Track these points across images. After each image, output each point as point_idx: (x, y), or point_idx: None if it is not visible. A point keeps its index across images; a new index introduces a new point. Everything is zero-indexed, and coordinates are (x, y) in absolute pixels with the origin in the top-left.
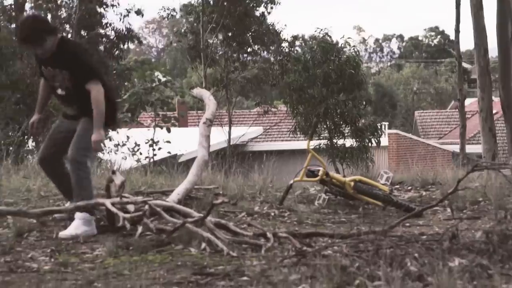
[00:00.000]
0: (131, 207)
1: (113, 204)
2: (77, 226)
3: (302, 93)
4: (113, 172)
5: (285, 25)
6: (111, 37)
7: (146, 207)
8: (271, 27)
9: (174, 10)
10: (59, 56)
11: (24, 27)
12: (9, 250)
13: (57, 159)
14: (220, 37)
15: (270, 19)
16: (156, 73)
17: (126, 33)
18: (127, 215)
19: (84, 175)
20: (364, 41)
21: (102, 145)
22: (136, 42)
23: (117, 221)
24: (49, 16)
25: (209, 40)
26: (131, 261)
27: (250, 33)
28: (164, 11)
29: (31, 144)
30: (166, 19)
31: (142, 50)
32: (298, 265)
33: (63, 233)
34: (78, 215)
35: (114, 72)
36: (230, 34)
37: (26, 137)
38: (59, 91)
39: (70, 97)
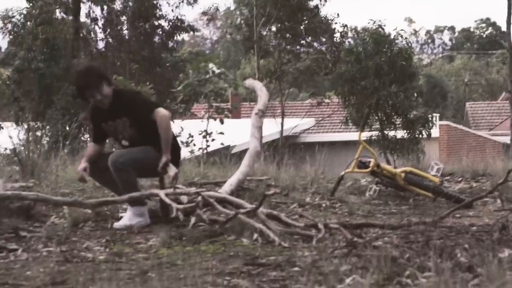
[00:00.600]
0: (184, 198)
1: (166, 195)
2: (131, 217)
3: (354, 84)
4: (167, 165)
5: (337, 14)
6: (165, 28)
7: (199, 198)
8: (323, 19)
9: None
10: (117, 105)
11: (80, 75)
12: (65, 240)
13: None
14: (274, 29)
15: (323, 11)
16: (210, 65)
17: (179, 23)
18: (181, 206)
19: (126, 177)
20: (415, 32)
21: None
22: (190, 32)
23: (170, 212)
24: (104, 8)
25: (262, 32)
26: (184, 251)
27: (303, 25)
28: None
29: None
30: (219, 11)
31: (197, 41)
32: (349, 256)
33: (118, 224)
34: (131, 207)
35: (168, 64)
36: (283, 26)
37: (82, 128)
38: (124, 142)
39: (137, 145)
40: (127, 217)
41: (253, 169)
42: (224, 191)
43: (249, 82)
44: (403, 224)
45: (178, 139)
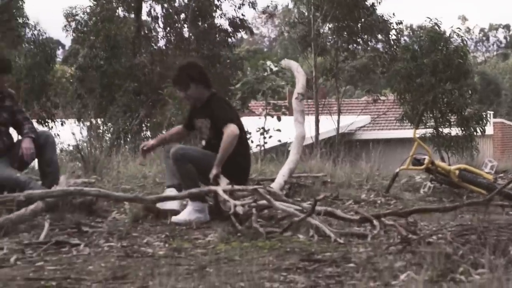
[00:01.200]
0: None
1: (224, 191)
2: (190, 212)
3: (410, 82)
4: (218, 176)
5: (393, 14)
6: (225, 27)
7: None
8: (379, 18)
9: None
10: (206, 106)
11: (175, 70)
12: (126, 235)
13: None
14: (331, 26)
15: (379, 10)
16: (268, 63)
17: (239, 23)
18: (238, 203)
19: (185, 170)
20: (468, 30)
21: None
22: (248, 32)
23: (228, 208)
24: (165, 6)
25: (319, 30)
26: (241, 247)
27: (359, 23)
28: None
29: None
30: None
31: (255, 39)
32: (403, 252)
33: (177, 218)
34: (192, 202)
35: (228, 61)
36: (339, 24)
37: (142, 125)
38: (202, 142)
39: (210, 148)
40: (187, 212)
41: (310, 166)
42: (278, 183)
43: (285, 62)
44: (456, 206)
45: None
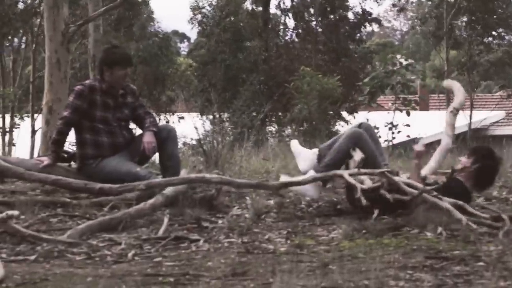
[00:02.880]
0: (368, 183)
1: (351, 175)
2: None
3: None
4: (353, 149)
5: None
6: (352, 20)
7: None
8: None
9: None
10: None
11: None
12: (247, 231)
13: None
14: (465, 19)
15: None
16: (398, 56)
17: (366, 16)
18: (365, 186)
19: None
20: None
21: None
22: (376, 24)
23: (355, 195)
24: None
25: (453, 23)
26: (366, 244)
27: (495, 16)
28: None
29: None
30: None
31: (386, 33)
32: None
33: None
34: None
35: (356, 55)
36: (474, 17)
37: (266, 120)
38: None
39: None
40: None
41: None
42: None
43: (447, 83)
44: None
45: None
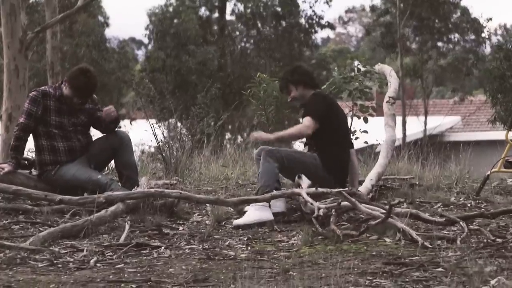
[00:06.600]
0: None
1: (308, 194)
2: (250, 213)
3: (503, 82)
4: (299, 177)
5: (481, 14)
6: (303, 26)
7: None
8: (466, 16)
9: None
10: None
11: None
12: (207, 238)
13: None
14: (415, 24)
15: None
16: (356, 63)
17: (318, 20)
18: (322, 206)
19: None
20: None
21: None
22: (331, 30)
23: (309, 210)
24: (241, 7)
25: (405, 29)
26: (326, 250)
27: (446, 22)
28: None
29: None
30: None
31: (342, 39)
32: (494, 256)
33: (237, 222)
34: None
35: (314, 61)
36: (424, 23)
37: (224, 127)
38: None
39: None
40: (248, 215)
41: (397, 168)
42: (365, 187)
43: (379, 67)
44: None
45: None
